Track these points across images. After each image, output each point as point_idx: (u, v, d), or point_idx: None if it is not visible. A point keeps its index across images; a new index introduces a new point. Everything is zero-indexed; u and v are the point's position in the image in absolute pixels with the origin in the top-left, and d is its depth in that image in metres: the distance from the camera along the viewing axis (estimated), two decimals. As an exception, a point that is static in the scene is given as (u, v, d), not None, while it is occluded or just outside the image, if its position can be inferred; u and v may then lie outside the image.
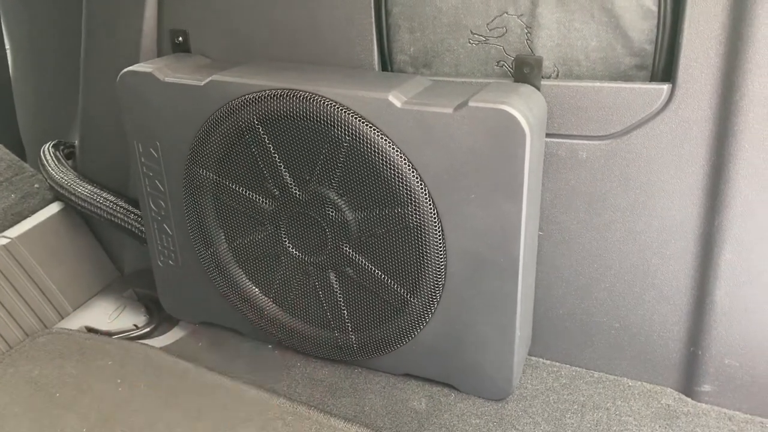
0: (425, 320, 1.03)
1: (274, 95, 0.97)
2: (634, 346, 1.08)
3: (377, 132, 0.92)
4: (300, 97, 0.95)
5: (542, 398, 1.07)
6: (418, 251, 0.97)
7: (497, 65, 1.01)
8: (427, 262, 0.98)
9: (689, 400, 1.06)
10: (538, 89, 0.96)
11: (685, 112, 0.92)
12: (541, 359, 1.15)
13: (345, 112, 0.93)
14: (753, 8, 0.84)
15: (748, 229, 0.93)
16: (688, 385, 1.06)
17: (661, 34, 0.92)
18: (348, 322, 1.09)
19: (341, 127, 0.94)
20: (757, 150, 0.89)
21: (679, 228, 0.98)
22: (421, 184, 0.93)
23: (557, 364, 1.14)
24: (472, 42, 1.01)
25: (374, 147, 0.93)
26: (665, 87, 0.92)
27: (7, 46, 1.60)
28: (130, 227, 1.30)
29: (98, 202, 1.31)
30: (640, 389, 1.08)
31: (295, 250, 1.07)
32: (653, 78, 0.95)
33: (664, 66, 0.94)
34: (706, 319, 1.00)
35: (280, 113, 0.97)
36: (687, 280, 1.00)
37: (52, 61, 1.50)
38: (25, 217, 1.32)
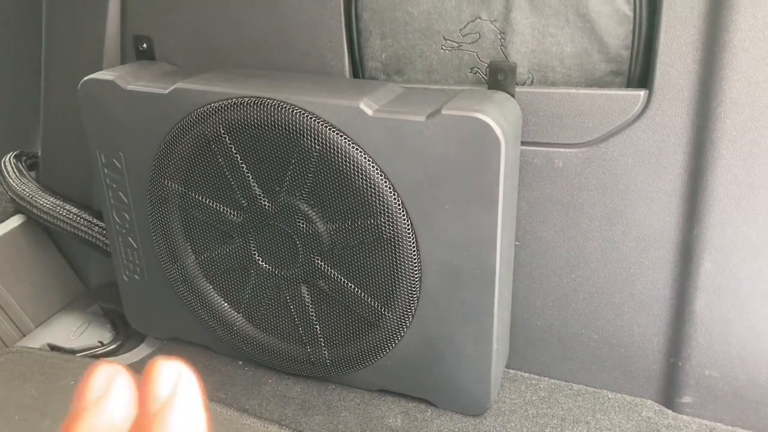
0: (400, 334, 1.00)
1: (241, 103, 0.94)
2: (614, 357, 1.05)
3: (348, 141, 0.89)
4: (268, 105, 0.92)
5: (521, 412, 1.05)
6: (392, 263, 0.94)
7: (471, 72, 0.99)
8: (401, 275, 0.95)
9: (670, 412, 1.04)
10: (513, 96, 0.94)
11: (663, 119, 0.90)
12: (519, 372, 1.13)
13: (315, 120, 0.90)
14: (729, 13, 0.83)
15: (728, 238, 0.92)
16: (669, 397, 1.04)
17: (637, 39, 0.91)
18: (321, 337, 1.06)
19: (311, 136, 0.90)
20: (736, 157, 0.88)
21: (657, 237, 0.96)
22: (394, 194, 0.90)
23: (536, 377, 1.12)
24: (444, 48, 0.98)
25: (345, 156, 0.90)
26: (642, 93, 0.90)
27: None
28: (94, 240, 1.26)
29: (61, 214, 1.26)
30: (621, 402, 1.06)
31: (265, 264, 1.04)
32: (630, 84, 0.93)
33: (640, 72, 0.92)
34: (686, 329, 0.98)
35: (248, 122, 0.94)
36: (666, 289, 0.98)
37: (12, 68, 1.45)
38: (-16, 231, 1.28)
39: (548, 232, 1.01)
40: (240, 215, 1.01)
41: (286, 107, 0.91)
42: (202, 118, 0.96)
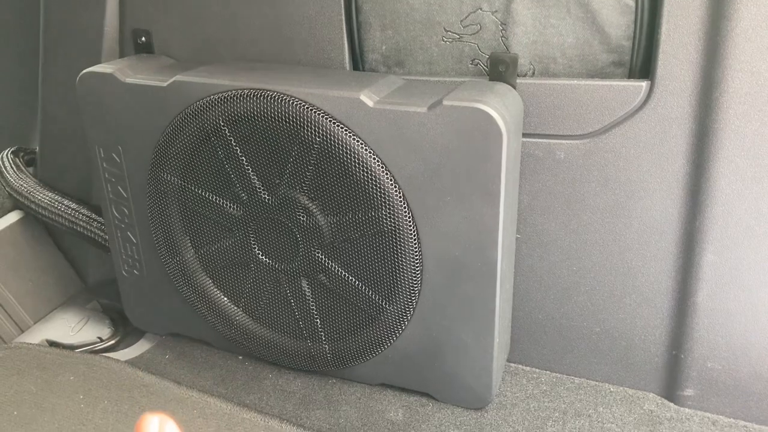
0: (401, 328, 0.99)
1: (240, 96, 0.93)
2: (616, 350, 1.05)
3: (349, 133, 0.89)
4: (268, 97, 0.92)
5: (522, 406, 1.04)
6: (393, 256, 0.94)
7: (472, 63, 0.98)
8: (402, 268, 0.94)
9: (672, 405, 1.03)
10: (514, 88, 0.94)
11: (665, 110, 0.90)
12: (520, 366, 1.13)
13: (315, 112, 0.90)
14: (731, 2, 0.82)
15: (730, 229, 0.91)
16: (671, 390, 1.03)
17: (639, 29, 0.90)
18: (321, 331, 1.05)
19: (311, 128, 0.90)
20: (738, 148, 0.87)
21: (659, 228, 0.96)
22: (395, 187, 0.90)
23: (537, 370, 1.11)
24: (445, 40, 0.98)
25: (346, 148, 0.89)
26: (644, 84, 0.90)
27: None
28: (92, 236, 1.25)
29: (59, 209, 1.26)
30: (622, 395, 1.05)
31: (265, 257, 1.03)
32: (631, 75, 0.93)
33: (642, 63, 0.92)
34: (688, 321, 0.98)
35: (247, 114, 0.93)
36: (668, 281, 0.98)
37: (9, 63, 1.45)
38: (-19, 227, 1.27)
39: (550, 225, 1.01)
40: (240, 209, 1.01)
41: (286, 99, 0.91)
42: (201, 110, 0.96)
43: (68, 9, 1.18)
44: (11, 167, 1.31)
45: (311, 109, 0.90)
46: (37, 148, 1.34)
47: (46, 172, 1.33)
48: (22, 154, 1.36)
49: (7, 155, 1.33)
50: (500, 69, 0.94)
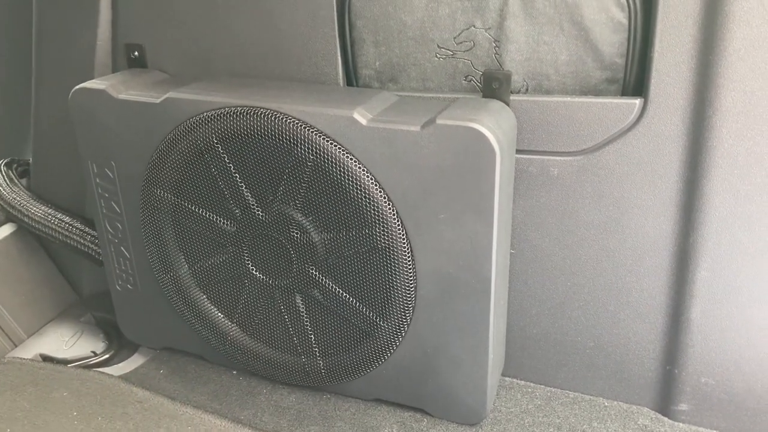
0: (395, 344, 0.99)
1: (234, 113, 0.93)
2: (610, 365, 1.05)
3: (342, 151, 0.89)
4: (261, 114, 0.91)
5: (517, 421, 1.04)
6: (387, 273, 0.94)
7: (465, 80, 0.98)
8: (396, 284, 0.94)
9: (666, 419, 1.03)
10: (508, 105, 0.94)
11: (658, 127, 0.90)
12: (515, 380, 1.13)
13: (308, 130, 0.89)
14: (724, 22, 0.82)
15: (724, 246, 0.91)
16: (665, 405, 1.04)
17: (632, 47, 0.90)
18: (315, 347, 1.05)
19: (305, 146, 0.90)
20: (731, 165, 0.87)
21: (653, 245, 0.96)
22: (388, 204, 0.90)
23: (532, 384, 1.11)
24: (439, 56, 0.98)
25: (340, 166, 0.89)
26: (637, 101, 0.90)
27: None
28: (86, 249, 1.24)
29: (52, 223, 1.25)
30: (617, 409, 1.06)
31: (259, 273, 1.03)
32: (625, 92, 0.93)
33: (635, 80, 0.92)
34: (682, 337, 0.98)
35: (241, 131, 0.93)
36: (662, 297, 0.98)
37: (2, 76, 1.44)
38: (-26, 240, 1.26)
39: (544, 241, 1.01)
40: (233, 225, 1.01)
41: (279, 117, 0.90)
42: (194, 127, 0.96)
43: (61, 23, 1.17)
44: (4, 180, 1.30)
45: (304, 127, 0.89)
46: (31, 160, 1.33)
47: (39, 184, 1.32)
48: (15, 165, 1.35)
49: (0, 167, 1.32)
50: (494, 86, 0.94)
